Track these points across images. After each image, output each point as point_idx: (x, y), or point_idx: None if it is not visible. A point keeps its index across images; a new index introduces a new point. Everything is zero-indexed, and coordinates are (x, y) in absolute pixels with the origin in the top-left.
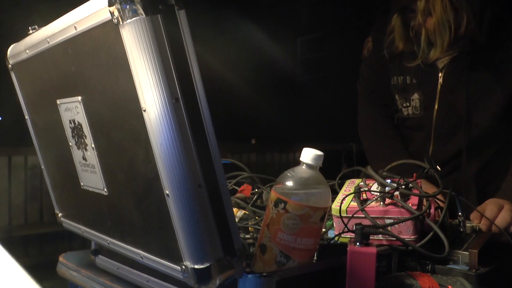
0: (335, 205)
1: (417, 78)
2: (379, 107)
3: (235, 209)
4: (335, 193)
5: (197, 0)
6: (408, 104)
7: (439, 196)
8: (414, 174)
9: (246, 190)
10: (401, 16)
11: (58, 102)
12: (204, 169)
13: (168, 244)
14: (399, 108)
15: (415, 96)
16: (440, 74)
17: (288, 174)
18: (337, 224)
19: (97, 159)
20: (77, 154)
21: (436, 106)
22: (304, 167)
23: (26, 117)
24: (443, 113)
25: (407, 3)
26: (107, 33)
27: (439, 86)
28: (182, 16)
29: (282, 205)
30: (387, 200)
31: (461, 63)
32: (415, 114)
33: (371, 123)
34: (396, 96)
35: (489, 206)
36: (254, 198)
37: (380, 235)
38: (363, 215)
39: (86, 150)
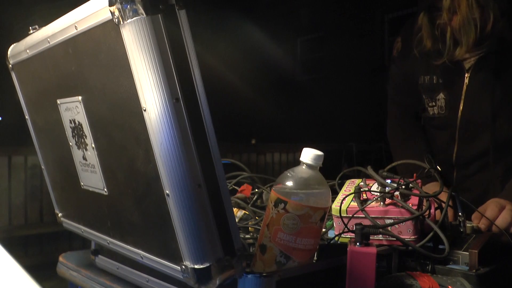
0: (335, 205)
1: (443, 78)
2: (406, 108)
3: (235, 209)
4: (335, 193)
5: (197, 0)
6: (434, 103)
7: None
8: (414, 174)
9: (246, 190)
10: (428, 15)
11: (58, 102)
12: (204, 169)
13: (168, 244)
14: (426, 108)
15: (441, 96)
16: (466, 75)
17: (288, 174)
18: (337, 224)
19: (97, 159)
20: (77, 154)
21: (461, 107)
22: (304, 167)
23: (26, 117)
24: (468, 113)
25: (433, 2)
26: (107, 33)
27: (464, 87)
28: (182, 16)
29: (282, 205)
30: (387, 200)
31: (488, 63)
32: (440, 114)
33: (397, 124)
34: (423, 96)
35: (490, 207)
36: (254, 198)
37: (380, 235)
38: (363, 215)
39: (86, 150)
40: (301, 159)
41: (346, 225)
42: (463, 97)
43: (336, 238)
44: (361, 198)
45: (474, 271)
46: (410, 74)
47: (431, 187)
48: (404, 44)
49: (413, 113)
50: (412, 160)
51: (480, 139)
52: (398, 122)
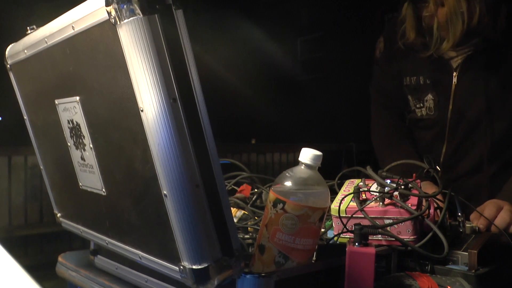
0: (334, 205)
1: (431, 78)
2: (391, 110)
3: (234, 209)
4: (334, 193)
5: (197, 0)
6: (421, 105)
7: (440, 197)
8: (414, 174)
9: (245, 190)
10: (412, 6)
11: (56, 102)
12: (202, 169)
13: (166, 245)
14: (412, 109)
15: (429, 97)
16: (454, 74)
17: (287, 174)
18: (336, 224)
19: (95, 159)
20: (75, 154)
21: (451, 107)
22: (303, 167)
23: (25, 117)
24: (457, 113)
25: None
26: (104, 33)
27: (453, 86)
28: (179, 15)
29: (280, 205)
30: (387, 200)
31: (476, 62)
32: (429, 115)
33: (382, 127)
34: (409, 97)
35: (489, 207)
36: (253, 198)
37: (379, 235)
38: (362, 215)
39: (84, 150)
40: (299, 159)
41: (345, 225)
42: (452, 96)
43: (335, 238)
44: (360, 198)
45: (473, 271)
46: (395, 75)
47: (426, 186)
48: (387, 44)
49: (398, 115)
50: (401, 161)
51: (470, 140)
52: (383, 126)
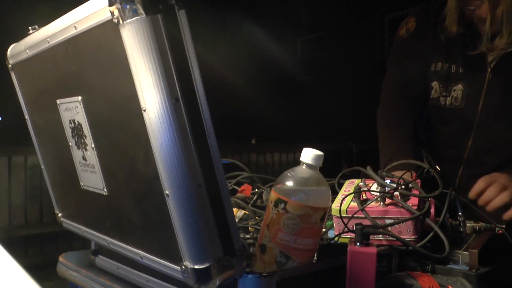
0: (335, 205)
1: (464, 68)
2: (405, 89)
3: (235, 209)
4: (335, 193)
5: (198, 0)
6: (447, 93)
7: None
8: (414, 174)
9: (246, 190)
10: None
11: (58, 102)
12: (204, 169)
13: (168, 244)
14: (436, 97)
15: (458, 87)
16: (489, 69)
17: (288, 174)
18: (337, 224)
19: (97, 159)
20: (77, 154)
21: (481, 101)
22: (304, 167)
23: (26, 117)
24: (488, 110)
25: None
26: (107, 33)
27: (486, 81)
28: (182, 16)
29: (282, 205)
30: (387, 200)
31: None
32: (453, 105)
33: (391, 102)
34: (435, 83)
35: (492, 187)
36: (254, 198)
37: (380, 235)
38: (363, 215)
39: (86, 150)
40: (301, 159)
41: (346, 225)
42: (484, 91)
43: (336, 238)
44: (361, 198)
45: (474, 271)
46: (420, 59)
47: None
48: (419, 25)
49: (410, 97)
50: (394, 140)
51: (499, 138)
52: (392, 100)
